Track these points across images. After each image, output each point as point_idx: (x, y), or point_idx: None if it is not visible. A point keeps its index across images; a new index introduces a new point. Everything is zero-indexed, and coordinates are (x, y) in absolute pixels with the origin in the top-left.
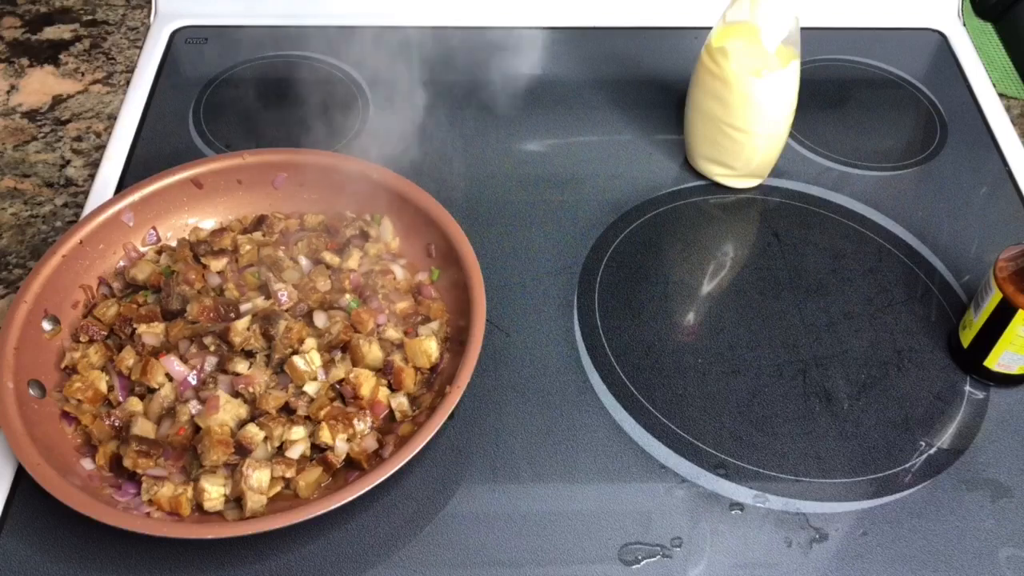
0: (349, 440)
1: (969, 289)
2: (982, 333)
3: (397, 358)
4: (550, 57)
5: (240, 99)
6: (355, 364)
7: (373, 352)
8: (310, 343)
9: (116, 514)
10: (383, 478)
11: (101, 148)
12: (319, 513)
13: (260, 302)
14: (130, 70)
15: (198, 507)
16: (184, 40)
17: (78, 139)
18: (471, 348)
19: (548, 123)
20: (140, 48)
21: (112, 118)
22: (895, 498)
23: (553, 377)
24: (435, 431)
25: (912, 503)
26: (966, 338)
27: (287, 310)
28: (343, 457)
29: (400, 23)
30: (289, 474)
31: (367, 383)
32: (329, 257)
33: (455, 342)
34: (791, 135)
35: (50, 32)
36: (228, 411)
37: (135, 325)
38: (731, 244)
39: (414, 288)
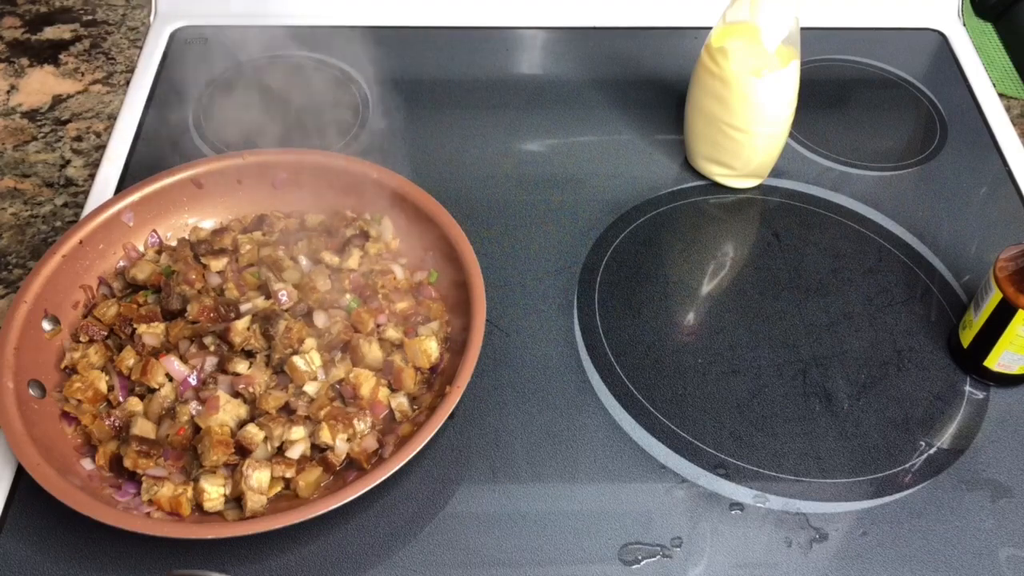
0: (349, 440)
1: (969, 289)
2: (982, 333)
3: (397, 358)
4: (550, 57)
5: (240, 99)
6: (355, 364)
7: (373, 352)
8: (310, 343)
9: (116, 514)
10: (383, 478)
11: (101, 148)
12: (319, 513)
13: (260, 302)
14: (130, 70)
15: (198, 507)
16: (184, 40)
17: (78, 139)
18: (471, 348)
19: (548, 123)
20: (140, 48)
21: (112, 118)
22: (895, 498)
23: (553, 377)
24: (435, 431)
25: (912, 503)
26: (966, 338)
27: (287, 310)
28: (343, 457)
29: (400, 23)
30: (289, 474)
31: (367, 383)
32: (329, 257)
33: (455, 342)
34: (791, 135)
35: (50, 32)
36: (228, 411)
37: (135, 325)
38: (731, 244)
39: (414, 288)
